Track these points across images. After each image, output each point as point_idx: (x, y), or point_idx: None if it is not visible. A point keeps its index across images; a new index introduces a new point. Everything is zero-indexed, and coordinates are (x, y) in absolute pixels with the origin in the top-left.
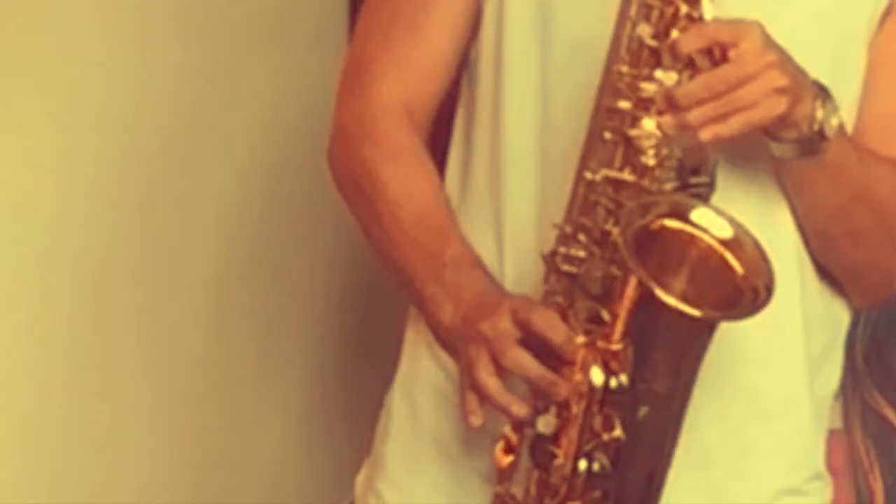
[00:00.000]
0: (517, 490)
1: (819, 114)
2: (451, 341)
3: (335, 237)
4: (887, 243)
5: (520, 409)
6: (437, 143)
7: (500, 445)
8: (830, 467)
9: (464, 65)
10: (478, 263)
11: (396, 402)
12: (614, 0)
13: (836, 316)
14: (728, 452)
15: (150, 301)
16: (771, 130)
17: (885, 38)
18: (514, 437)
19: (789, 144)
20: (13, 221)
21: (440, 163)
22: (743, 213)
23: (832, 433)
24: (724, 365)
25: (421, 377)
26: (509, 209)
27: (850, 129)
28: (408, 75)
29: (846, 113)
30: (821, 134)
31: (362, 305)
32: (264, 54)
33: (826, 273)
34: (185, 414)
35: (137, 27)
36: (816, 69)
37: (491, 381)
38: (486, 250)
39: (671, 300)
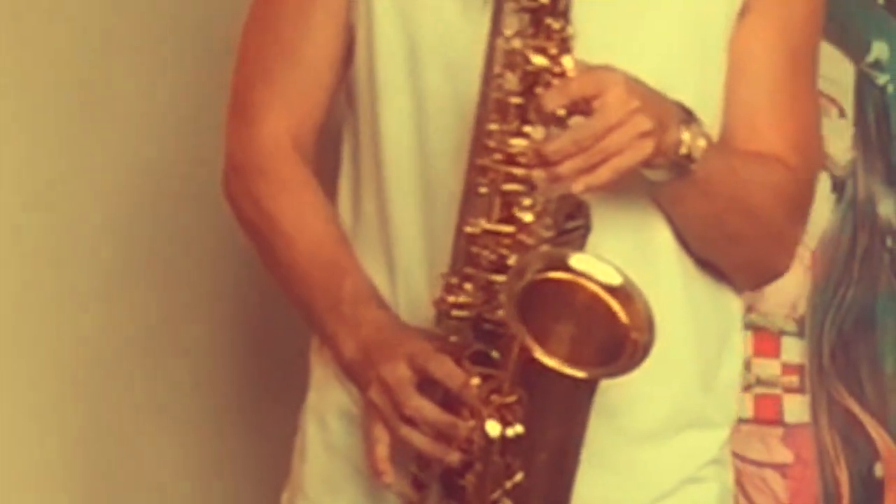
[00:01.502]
0: None
1: (686, 137)
2: (354, 375)
3: (240, 246)
4: (764, 239)
5: (453, 457)
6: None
7: (408, 482)
8: (799, 458)
9: (345, 90)
10: (374, 296)
11: (310, 426)
12: (480, 31)
13: (727, 306)
14: (626, 455)
15: (25, 312)
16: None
17: (742, 36)
18: (421, 475)
19: (660, 169)
20: None
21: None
22: (619, 231)
23: (801, 426)
24: (614, 382)
25: (330, 402)
26: (397, 237)
27: (717, 130)
28: (291, 106)
29: (712, 116)
30: (688, 157)
31: (269, 322)
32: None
33: (710, 268)
34: (71, 447)
35: (17, 37)
36: (683, 79)
37: (413, 434)
38: (379, 276)
39: (553, 363)
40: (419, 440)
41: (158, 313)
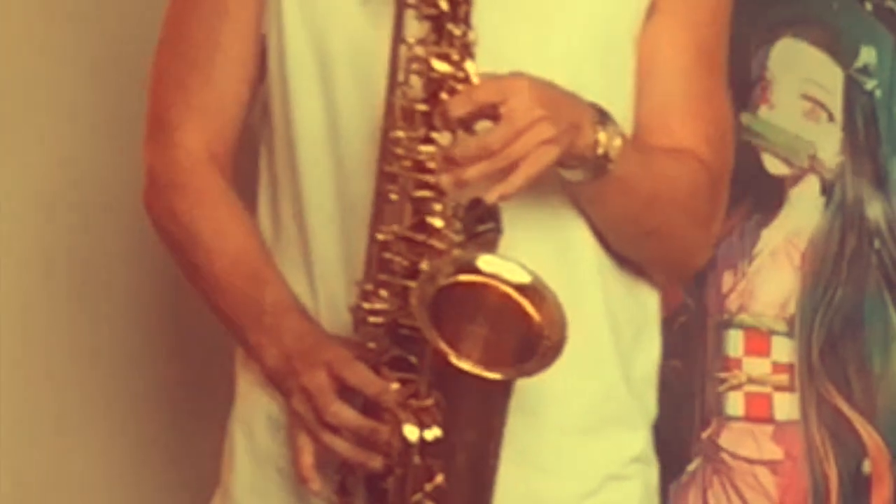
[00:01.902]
0: None
1: (602, 138)
2: (277, 383)
3: (164, 256)
4: (682, 233)
5: (375, 462)
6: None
7: (333, 487)
8: (789, 455)
9: (259, 102)
10: (295, 306)
11: (237, 434)
12: (388, 40)
13: (643, 302)
14: (550, 451)
15: None
16: (558, 161)
17: (650, 36)
18: (345, 480)
19: (577, 170)
20: None
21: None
22: (535, 231)
23: (791, 424)
24: (533, 379)
25: (256, 410)
26: (316, 246)
27: (627, 128)
28: (206, 121)
29: (621, 114)
30: (605, 157)
31: (195, 331)
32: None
33: (626, 265)
34: (7, 449)
35: None
36: (590, 79)
37: (336, 441)
38: (299, 286)
39: (466, 365)
40: (341, 446)
41: (82, 323)
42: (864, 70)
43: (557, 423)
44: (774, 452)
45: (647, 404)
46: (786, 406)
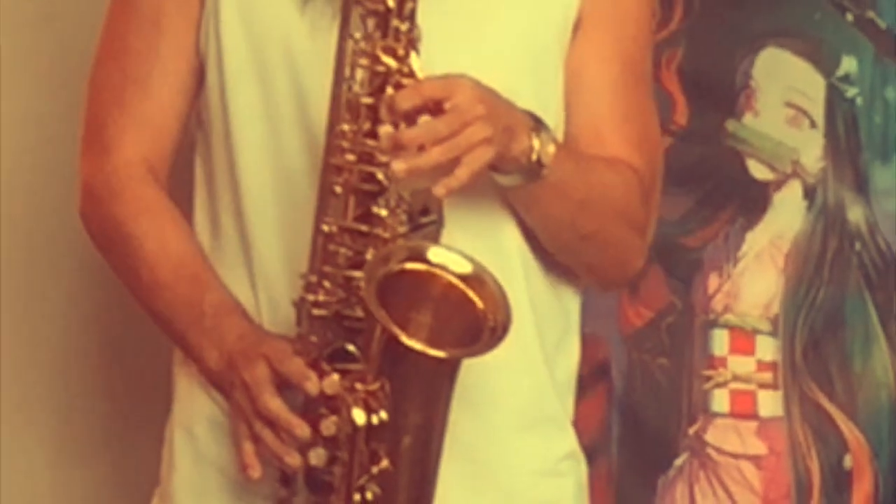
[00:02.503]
0: None
1: (535, 144)
2: (219, 383)
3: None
4: (616, 238)
5: (292, 459)
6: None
7: (277, 479)
8: (773, 450)
9: (196, 114)
10: (235, 308)
11: (177, 436)
12: (326, 42)
13: (566, 307)
14: (486, 447)
15: None
16: (493, 166)
17: (578, 49)
18: (286, 471)
19: (512, 175)
20: None
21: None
22: (468, 232)
23: (774, 420)
24: (470, 375)
25: (197, 412)
26: (256, 247)
27: (559, 135)
28: (143, 133)
29: (554, 119)
30: (539, 163)
31: (129, 335)
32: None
33: (551, 270)
34: None
35: None
36: (522, 88)
37: (265, 432)
38: (240, 288)
39: (416, 344)
40: (269, 438)
41: (22, 327)
42: (846, 78)
43: (497, 420)
44: (758, 448)
45: (568, 406)
46: (769, 403)
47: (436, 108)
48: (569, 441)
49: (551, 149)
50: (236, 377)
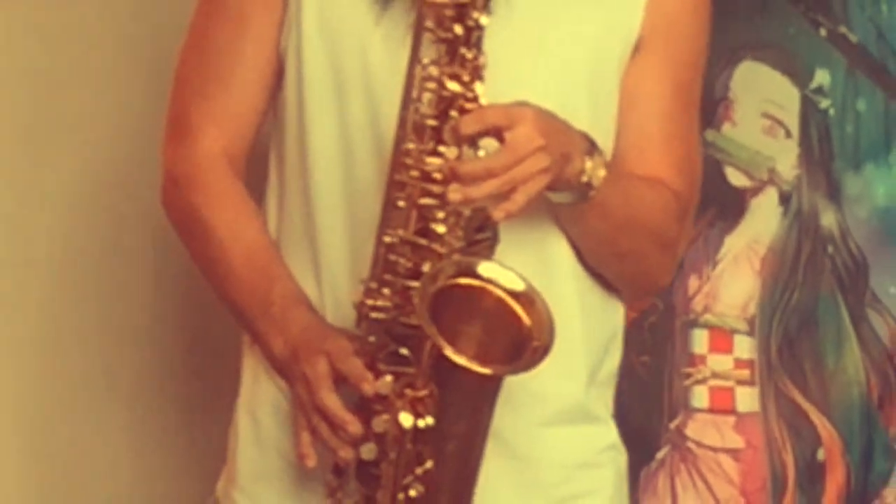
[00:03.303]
0: (348, 502)
1: (588, 166)
2: (283, 371)
3: (180, 251)
4: (649, 256)
5: (344, 452)
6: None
7: (330, 468)
8: (750, 444)
9: (273, 110)
10: (302, 300)
11: (242, 420)
12: (399, 61)
13: (613, 314)
14: (527, 443)
15: None
16: (547, 186)
17: (635, 72)
18: (339, 463)
19: (563, 193)
20: None
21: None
22: (522, 244)
23: (751, 415)
24: (515, 377)
25: (261, 398)
26: (324, 246)
27: (608, 152)
28: (224, 126)
29: (605, 140)
30: (588, 185)
31: (206, 322)
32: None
33: (599, 280)
34: (27, 434)
35: None
36: (580, 107)
37: (321, 425)
38: (306, 282)
39: (462, 360)
40: (324, 430)
41: (102, 313)
42: (819, 90)
43: (538, 418)
44: (736, 441)
45: (608, 401)
46: (747, 399)
47: (497, 134)
48: (608, 434)
49: (602, 172)
50: (298, 369)
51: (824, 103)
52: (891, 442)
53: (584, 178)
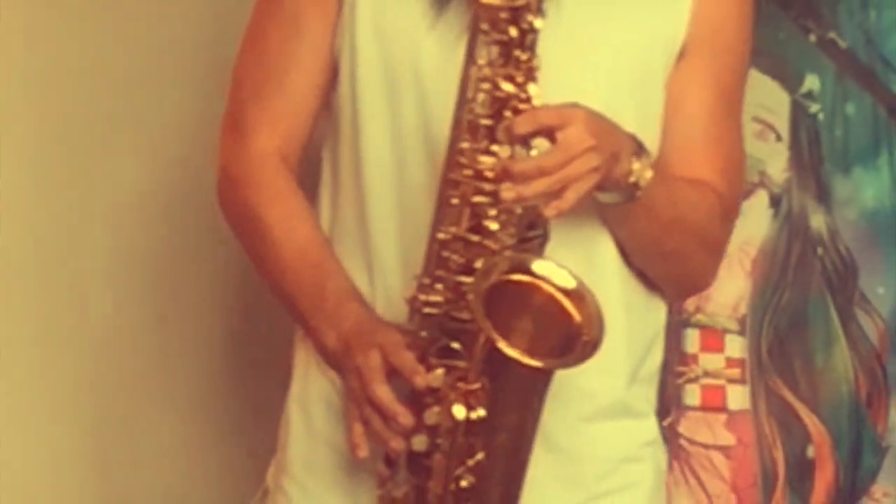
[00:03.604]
0: (398, 492)
1: (635, 167)
2: (336, 364)
3: (230, 253)
4: (695, 257)
5: (396, 443)
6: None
7: (381, 459)
8: (741, 441)
9: (328, 110)
10: (355, 294)
11: (293, 412)
12: (452, 62)
13: (656, 313)
14: (570, 437)
15: (48, 309)
16: (596, 186)
17: (680, 77)
18: (390, 454)
19: (610, 193)
20: None
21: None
22: (569, 243)
23: (742, 413)
24: (560, 371)
25: (313, 391)
26: (376, 242)
27: (654, 155)
28: (279, 126)
29: (650, 144)
30: (636, 185)
31: (258, 316)
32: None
33: (644, 279)
34: (86, 425)
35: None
36: (625, 110)
37: (373, 417)
38: (358, 276)
39: (514, 353)
40: (376, 422)
41: (161, 311)
42: (809, 95)
43: (582, 413)
44: (727, 439)
45: (651, 397)
46: (738, 397)
47: (549, 134)
48: (649, 429)
49: (649, 173)
50: (351, 362)
51: (814, 108)
52: (879, 439)
53: (632, 179)
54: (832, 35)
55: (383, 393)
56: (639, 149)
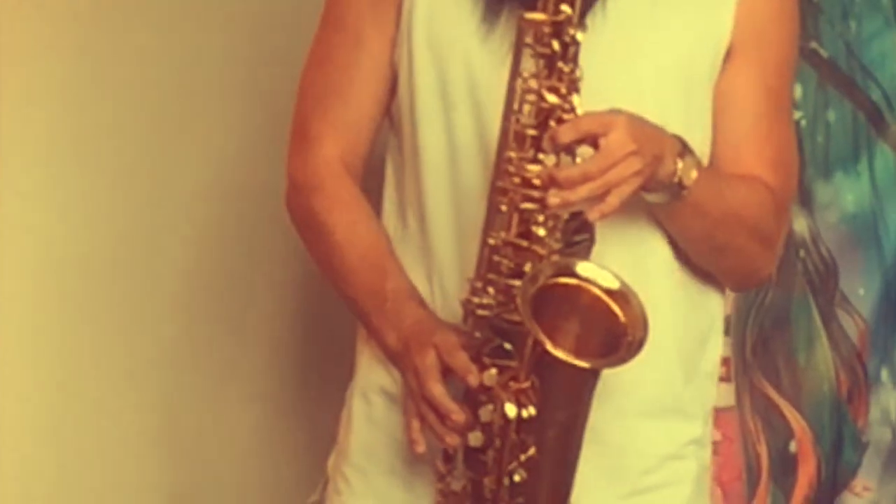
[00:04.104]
0: (456, 485)
1: (679, 167)
2: (396, 361)
3: (298, 254)
4: (749, 249)
5: (451, 439)
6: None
7: (440, 455)
8: (726, 437)
9: (389, 120)
10: (414, 295)
11: (356, 402)
12: (501, 74)
13: (710, 308)
14: (616, 432)
15: (123, 306)
16: (641, 187)
17: (727, 78)
18: (448, 449)
19: (657, 193)
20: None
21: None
22: (619, 244)
23: (727, 409)
24: (610, 371)
25: (373, 382)
26: (435, 247)
27: (705, 156)
28: (342, 136)
29: (700, 144)
30: (681, 184)
31: (322, 315)
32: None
33: (697, 274)
34: (162, 415)
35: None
36: (672, 113)
37: (429, 415)
38: (419, 280)
39: (562, 354)
40: (431, 419)
41: (230, 310)
42: (792, 103)
43: (624, 408)
44: (713, 435)
45: (706, 395)
46: (723, 394)
47: (593, 141)
48: (696, 428)
49: (693, 173)
50: (409, 361)
51: (796, 115)
52: (859, 434)
53: (676, 179)
54: (814, 45)
55: (438, 391)
56: (683, 149)
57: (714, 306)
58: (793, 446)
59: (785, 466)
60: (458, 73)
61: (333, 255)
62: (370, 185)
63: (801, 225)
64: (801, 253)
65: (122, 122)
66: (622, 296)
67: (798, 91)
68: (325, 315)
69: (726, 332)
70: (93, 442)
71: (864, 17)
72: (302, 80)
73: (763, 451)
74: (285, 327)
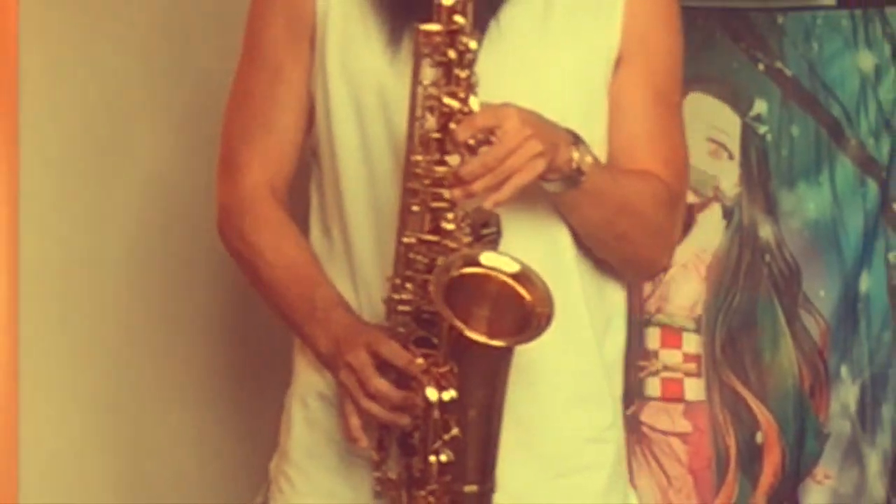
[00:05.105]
0: (392, 473)
1: (575, 155)
2: (329, 365)
3: (233, 268)
4: (646, 238)
5: (402, 420)
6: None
7: (374, 445)
8: (697, 428)
9: (310, 146)
10: (341, 302)
11: (294, 406)
12: (408, 85)
13: (611, 296)
14: (538, 418)
15: (73, 309)
16: (541, 175)
17: (618, 83)
18: (382, 438)
19: (555, 182)
20: None
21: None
22: (528, 235)
23: (698, 403)
24: (527, 357)
25: (309, 386)
26: (357, 254)
27: (603, 158)
28: (267, 162)
29: (598, 146)
30: (578, 171)
31: (259, 325)
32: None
33: (598, 265)
34: (107, 421)
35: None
36: (573, 117)
37: (373, 406)
38: (345, 287)
39: (476, 336)
40: (378, 411)
41: (178, 315)
42: (758, 118)
43: (548, 395)
44: (685, 426)
45: (615, 383)
46: (694, 389)
47: (490, 136)
48: (612, 413)
49: (589, 159)
50: (342, 361)
51: (762, 129)
52: (821, 426)
53: (574, 165)
54: (779, 64)
55: (381, 384)
56: (576, 139)
57: (616, 296)
58: (759, 437)
59: (752, 456)
60: (370, 96)
61: (263, 273)
62: (296, 210)
63: (766, 232)
64: (767, 258)
65: (69, 125)
66: (525, 277)
67: (764, 107)
68: (262, 325)
69: (698, 330)
70: (39, 442)
71: (825, 38)
72: (227, 111)
73: (731, 442)
74: (225, 339)
